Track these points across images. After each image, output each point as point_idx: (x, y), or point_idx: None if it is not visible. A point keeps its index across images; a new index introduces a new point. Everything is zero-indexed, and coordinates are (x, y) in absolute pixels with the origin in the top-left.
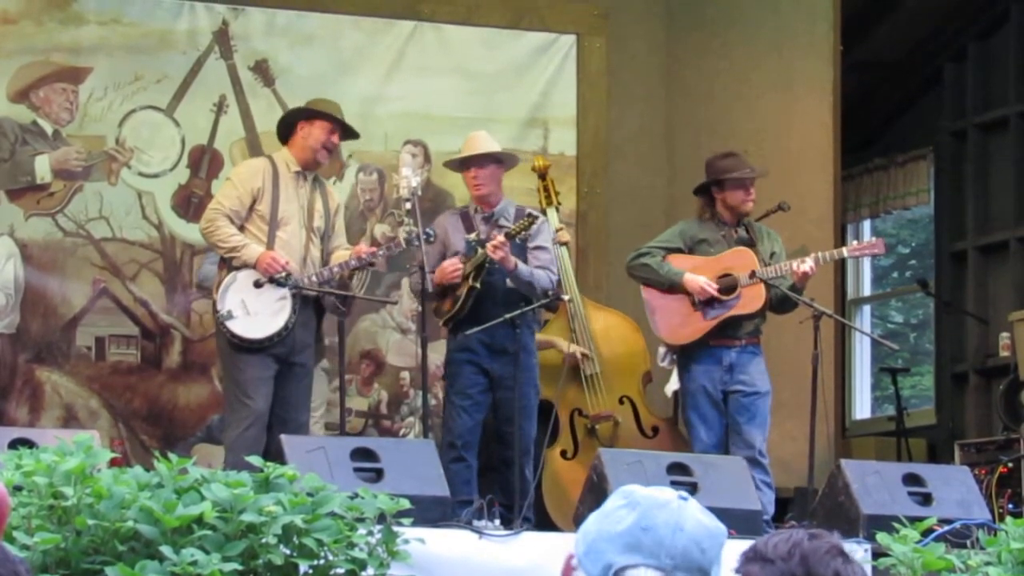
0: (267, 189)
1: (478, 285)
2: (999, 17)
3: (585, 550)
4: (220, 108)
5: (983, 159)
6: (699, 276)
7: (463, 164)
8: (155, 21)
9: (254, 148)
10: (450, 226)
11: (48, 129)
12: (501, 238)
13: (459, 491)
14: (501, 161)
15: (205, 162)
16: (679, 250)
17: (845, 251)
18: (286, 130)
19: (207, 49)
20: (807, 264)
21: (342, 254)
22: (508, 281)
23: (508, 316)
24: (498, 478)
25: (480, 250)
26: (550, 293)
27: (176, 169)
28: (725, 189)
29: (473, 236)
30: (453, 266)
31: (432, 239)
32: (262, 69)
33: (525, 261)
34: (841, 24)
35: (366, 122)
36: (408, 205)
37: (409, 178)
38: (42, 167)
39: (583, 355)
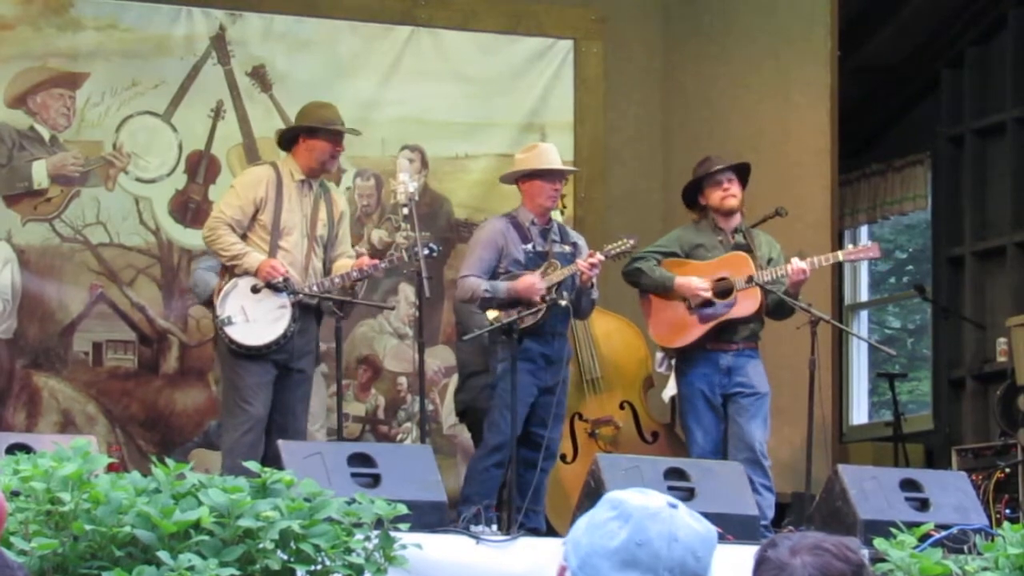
0: (270, 199)
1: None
2: (996, 23)
3: (579, 564)
4: (217, 113)
5: (980, 164)
6: (692, 278)
7: (545, 175)
8: (152, 27)
9: (251, 153)
10: (507, 234)
11: (45, 134)
12: (600, 256)
13: (489, 495)
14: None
15: (202, 167)
16: (675, 255)
17: (841, 255)
18: (288, 140)
19: (204, 54)
20: (803, 263)
21: (344, 262)
22: (563, 295)
23: (506, 321)
24: (520, 481)
25: (558, 265)
26: (547, 299)
27: (173, 175)
28: (705, 192)
29: (530, 247)
30: (543, 286)
31: (435, 253)
32: (259, 74)
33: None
34: (839, 29)
35: (363, 127)
36: (405, 210)
37: (406, 183)
38: (39, 173)
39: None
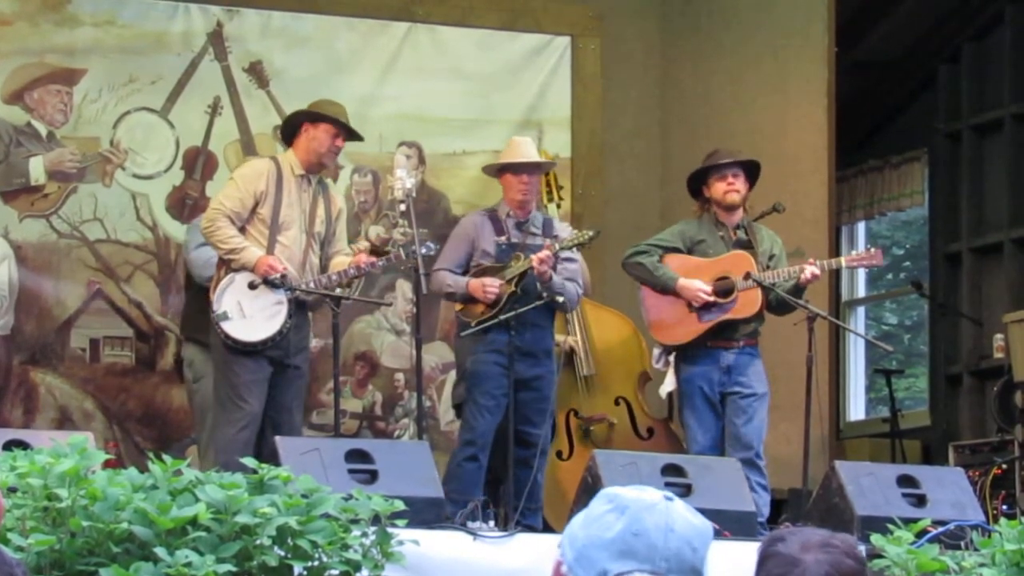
0: (270, 192)
1: (519, 291)
2: (994, 19)
3: (575, 556)
4: (215, 110)
5: (977, 161)
6: (694, 281)
7: (511, 169)
8: (149, 23)
9: (248, 149)
10: (480, 227)
11: (42, 131)
12: (546, 253)
13: (467, 491)
14: (543, 170)
15: (199, 164)
16: (677, 250)
17: (843, 260)
18: (290, 132)
19: (201, 51)
20: (815, 268)
21: (342, 260)
22: (538, 286)
23: (503, 317)
24: (515, 480)
25: (522, 256)
26: (558, 299)
27: (170, 171)
28: (709, 184)
29: (503, 239)
30: (493, 288)
31: (432, 252)
32: (257, 71)
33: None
34: (836, 26)
35: (361, 124)
36: (403, 207)
37: (404, 179)
38: (36, 169)
39: (575, 347)
